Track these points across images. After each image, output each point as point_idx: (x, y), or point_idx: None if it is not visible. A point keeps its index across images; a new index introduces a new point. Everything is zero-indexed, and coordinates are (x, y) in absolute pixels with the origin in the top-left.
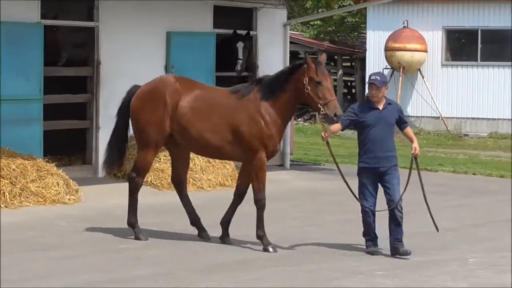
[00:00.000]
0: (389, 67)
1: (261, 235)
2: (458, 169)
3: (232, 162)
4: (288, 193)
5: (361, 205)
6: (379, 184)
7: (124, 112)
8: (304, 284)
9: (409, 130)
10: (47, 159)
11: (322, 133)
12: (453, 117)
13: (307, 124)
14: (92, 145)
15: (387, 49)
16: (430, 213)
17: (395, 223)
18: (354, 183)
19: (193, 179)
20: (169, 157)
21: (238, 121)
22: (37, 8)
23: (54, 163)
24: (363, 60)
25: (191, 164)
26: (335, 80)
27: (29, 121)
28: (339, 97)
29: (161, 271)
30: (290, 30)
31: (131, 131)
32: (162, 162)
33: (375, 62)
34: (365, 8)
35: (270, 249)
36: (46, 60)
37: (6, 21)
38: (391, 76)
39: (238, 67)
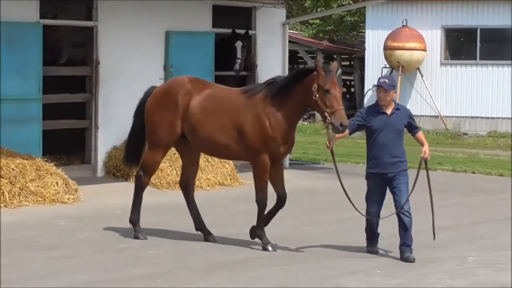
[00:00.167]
0: (388, 66)
1: (260, 234)
2: (457, 168)
3: (231, 162)
4: (287, 192)
5: (363, 213)
6: (387, 190)
7: (141, 112)
8: (303, 283)
9: (420, 135)
10: (46, 159)
11: (327, 142)
12: (452, 116)
13: (306, 123)
14: (91, 145)
15: (386, 48)
16: (433, 219)
17: (403, 228)
18: (354, 183)
19: None
20: (169, 157)
21: (243, 120)
22: (36, 7)
23: (53, 163)
24: (362, 59)
25: None
26: None
27: (28, 120)
28: None
29: (161, 271)
30: (289, 29)
31: None
32: (162, 162)
33: (374, 61)
34: (364, 7)
35: (270, 248)
36: (45, 59)
37: (5, 21)
38: (389, 75)
39: (237, 67)
